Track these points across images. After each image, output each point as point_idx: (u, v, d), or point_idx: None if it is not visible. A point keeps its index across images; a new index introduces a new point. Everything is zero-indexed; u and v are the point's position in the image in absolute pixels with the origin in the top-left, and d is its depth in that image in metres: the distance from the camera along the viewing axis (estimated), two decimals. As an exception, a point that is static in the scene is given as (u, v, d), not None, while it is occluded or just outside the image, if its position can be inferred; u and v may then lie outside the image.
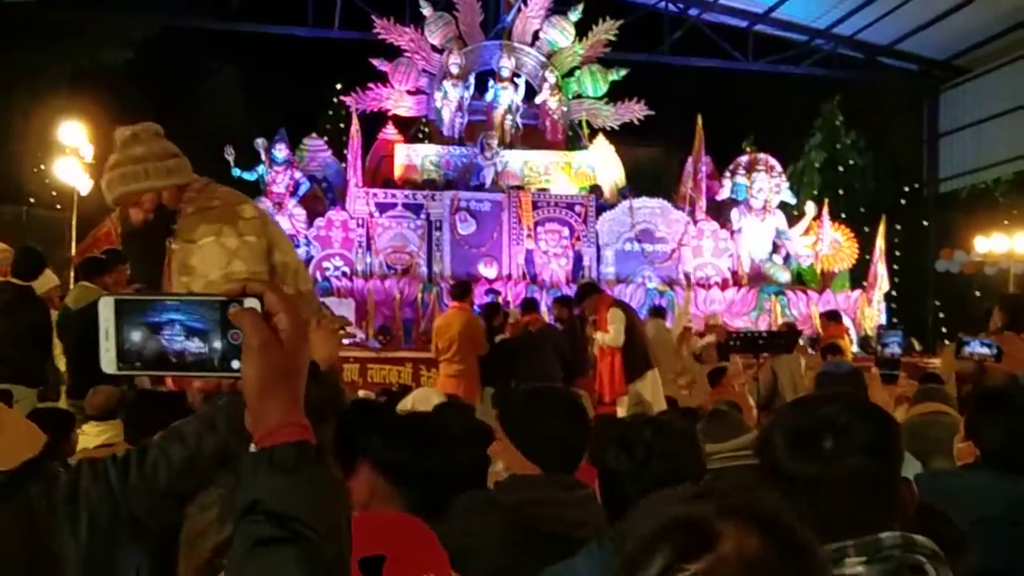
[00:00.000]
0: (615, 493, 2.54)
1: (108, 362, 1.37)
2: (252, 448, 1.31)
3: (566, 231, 17.94)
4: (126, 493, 1.56)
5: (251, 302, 1.34)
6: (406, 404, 5.38)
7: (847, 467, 1.76)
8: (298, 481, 1.27)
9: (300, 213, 17.69)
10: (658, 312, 13.06)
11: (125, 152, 3.47)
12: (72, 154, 13.02)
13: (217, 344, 1.35)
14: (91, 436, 5.33)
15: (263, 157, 17.66)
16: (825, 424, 1.80)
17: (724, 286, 18.16)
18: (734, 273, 18.53)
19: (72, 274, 11.88)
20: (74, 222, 12.95)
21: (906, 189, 24.18)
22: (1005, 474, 3.14)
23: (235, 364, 1.34)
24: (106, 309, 1.36)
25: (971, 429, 3.38)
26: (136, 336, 1.35)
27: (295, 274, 3.51)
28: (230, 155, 17.31)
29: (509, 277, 17.38)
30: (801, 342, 13.21)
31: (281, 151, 17.68)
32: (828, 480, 1.76)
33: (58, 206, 16.28)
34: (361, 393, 9.82)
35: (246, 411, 1.34)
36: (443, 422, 3.91)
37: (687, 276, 17.86)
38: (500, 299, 15.26)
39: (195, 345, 1.35)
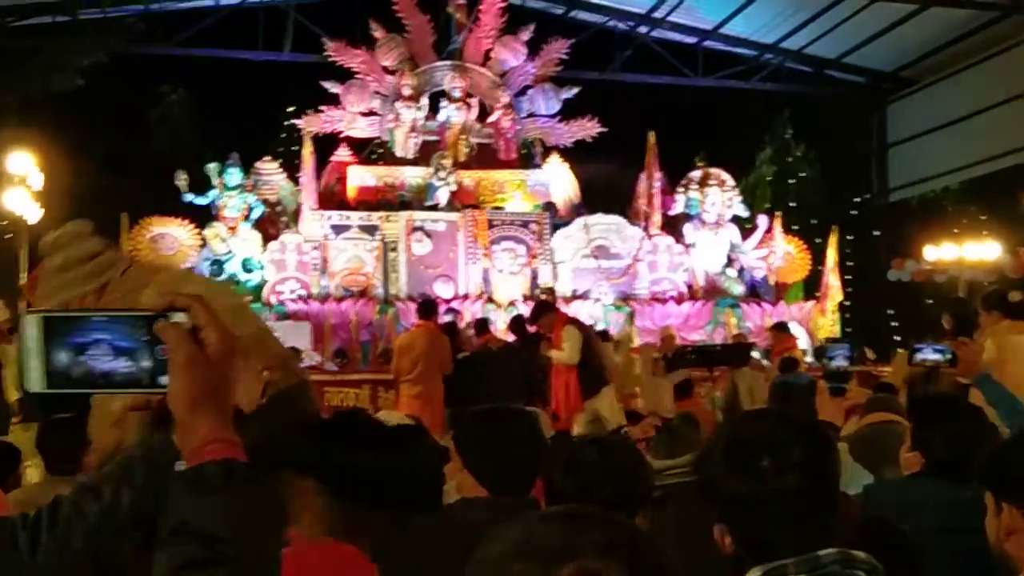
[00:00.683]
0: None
1: (35, 381, 1.33)
2: (181, 466, 1.29)
3: (522, 249, 17.92)
4: (35, 558, 1.45)
5: (178, 316, 1.32)
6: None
7: (784, 485, 1.76)
8: (225, 501, 1.24)
9: (254, 237, 17.58)
10: (600, 335, 13.10)
11: (49, 262, 3.43)
12: (21, 184, 12.87)
13: (146, 361, 1.33)
14: (41, 469, 5.25)
15: (215, 182, 17.54)
16: (762, 442, 1.81)
17: (680, 300, 18.25)
18: (689, 287, 18.63)
19: (26, 305, 11.72)
20: (24, 252, 12.78)
21: (856, 200, 24.39)
22: (949, 482, 3.17)
23: (163, 380, 1.32)
24: (31, 328, 1.32)
25: (915, 438, 3.42)
26: (62, 357, 1.32)
27: (232, 317, 3.39)
28: (182, 180, 17.21)
29: (466, 296, 17.35)
30: (756, 355, 13.28)
31: (234, 175, 17.57)
32: (766, 498, 1.77)
33: (8, 236, 16.08)
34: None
35: (175, 426, 1.31)
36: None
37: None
38: (459, 318, 15.25)
39: (123, 364, 1.33)
